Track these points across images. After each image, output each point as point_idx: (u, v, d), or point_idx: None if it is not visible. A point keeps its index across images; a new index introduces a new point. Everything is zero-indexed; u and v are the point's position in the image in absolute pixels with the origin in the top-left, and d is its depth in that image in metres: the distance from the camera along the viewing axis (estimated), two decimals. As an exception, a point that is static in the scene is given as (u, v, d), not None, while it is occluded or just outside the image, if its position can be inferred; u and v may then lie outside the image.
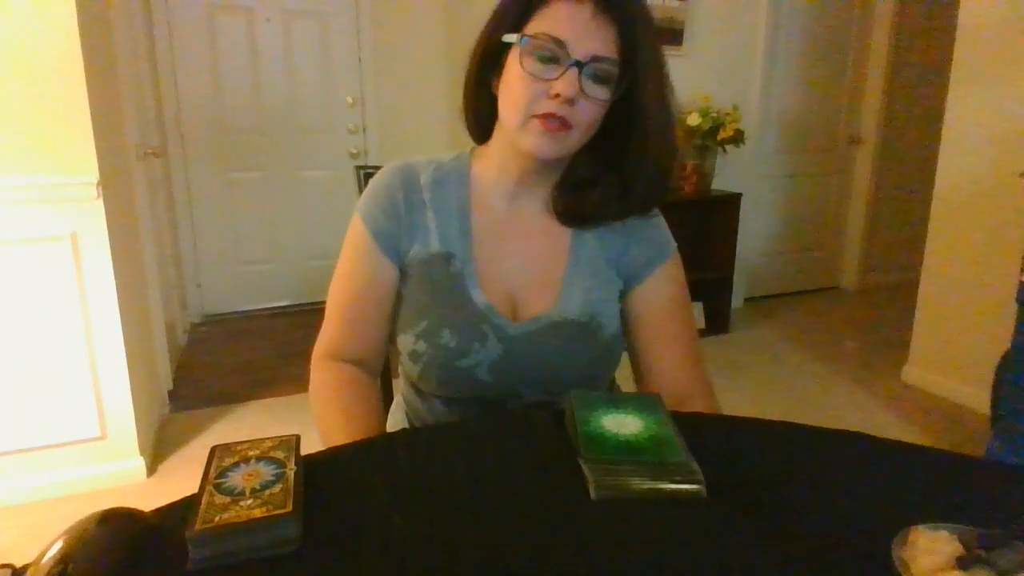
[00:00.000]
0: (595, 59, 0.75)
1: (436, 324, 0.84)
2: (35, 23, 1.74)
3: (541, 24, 0.77)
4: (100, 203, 1.88)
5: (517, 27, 0.78)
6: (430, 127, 3.64)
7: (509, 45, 0.79)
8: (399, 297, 0.89)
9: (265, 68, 3.48)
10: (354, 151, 3.67)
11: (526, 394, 0.87)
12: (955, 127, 2.63)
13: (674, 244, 0.93)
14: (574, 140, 0.80)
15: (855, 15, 3.97)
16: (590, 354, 0.87)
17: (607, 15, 0.76)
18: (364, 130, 3.67)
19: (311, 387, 0.88)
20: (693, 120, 3.29)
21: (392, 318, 0.90)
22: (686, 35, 3.41)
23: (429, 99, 3.65)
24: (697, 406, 0.86)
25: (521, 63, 0.77)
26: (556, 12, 0.76)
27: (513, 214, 0.90)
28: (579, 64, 0.75)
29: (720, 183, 3.54)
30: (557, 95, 0.75)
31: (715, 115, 3.30)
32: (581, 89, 0.76)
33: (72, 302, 1.90)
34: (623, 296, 0.92)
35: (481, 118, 0.89)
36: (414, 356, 0.86)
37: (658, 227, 0.93)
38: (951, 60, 2.62)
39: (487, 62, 0.83)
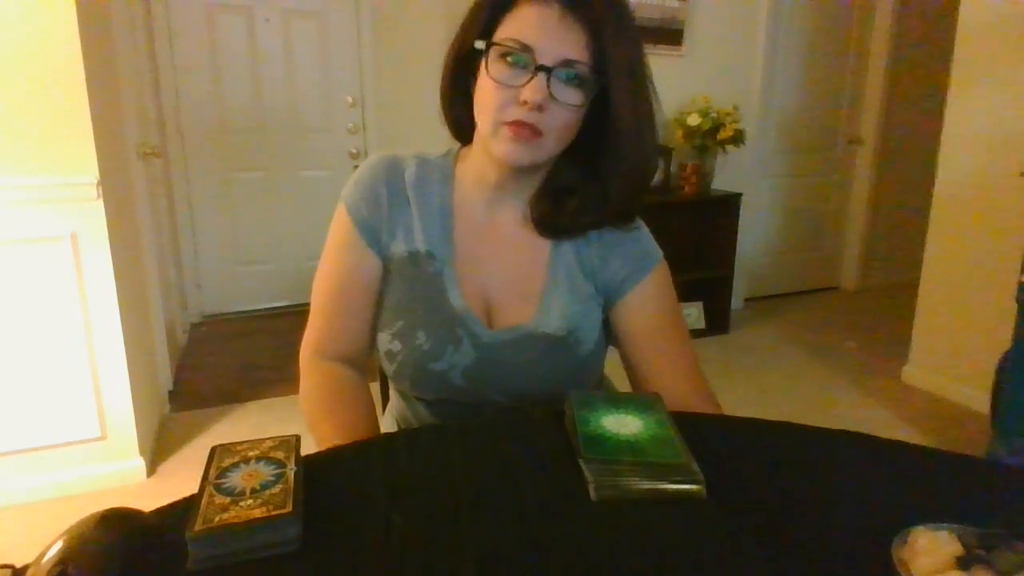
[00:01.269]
0: (564, 63, 0.73)
1: (411, 325, 0.84)
2: (35, 23, 1.74)
3: (508, 29, 0.75)
4: (100, 203, 1.88)
5: (487, 32, 0.77)
6: (430, 127, 3.59)
7: (481, 50, 0.77)
8: (380, 295, 0.88)
9: (265, 68, 3.48)
10: (354, 151, 3.66)
11: (496, 400, 0.86)
12: (955, 127, 2.63)
13: (658, 255, 0.90)
14: (548, 147, 0.78)
15: (855, 15, 3.97)
16: (565, 369, 0.85)
17: (576, 16, 0.73)
18: (364, 130, 3.67)
19: (302, 391, 0.87)
20: (693, 120, 3.29)
21: (376, 312, 0.89)
22: (686, 35, 3.41)
23: (429, 99, 3.60)
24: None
25: (488, 70, 0.75)
26: (523, 16, 0.74)
27: (492, 221, 0.88)
28: (547, 69, 0.72)
29: (720, 183, 3.54)
30: (525, 102, 0.73)
31: (715, 115, 3.30)
32: (551, 94, 0.73)
33: (72, 302, 1.90)
34: (607, 310, 0.89)
35: (460, 123, 0.87)
36: (389, 355, 0.86)
37: (638, 240, 0.90)
38: (951, 60, 2.62)
39: (462, 67, 0.82)
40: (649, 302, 0.88)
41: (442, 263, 0.85)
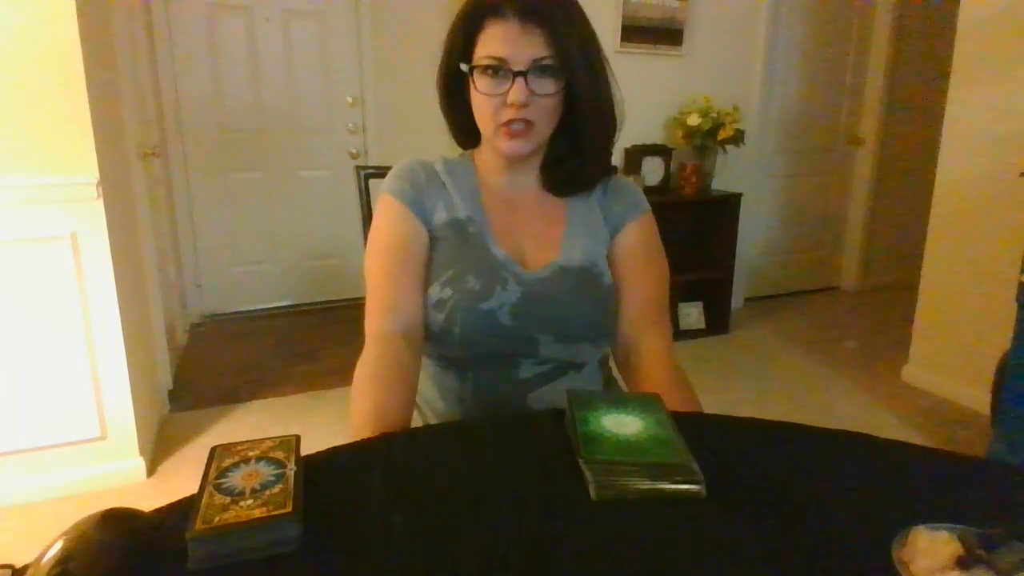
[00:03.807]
0: (534, 61, 0.88)
1: (461, 271, 0.95)
2: (35, 23, 1.74)
3: (483, 48, 0.90)
4: (100, 203, 1.88)
5: (466, 53, 0.92)
6: (430, 127, 3.62)
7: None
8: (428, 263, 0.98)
9: (265, 68, 3.48)
10: (354, 151, 3.67)
11: (541, 340, 0.95)
12: (955, 127, 2.63)
13: (647, 206, 1.07)
14: (541, 133, 0.94)
15: (855, 15, 3.97)
16: (594, 297, 0.98)
17: (533, 22, 0.88)
18: (364, 130, 3.67)
19: (363, 355, 0.89)
20: (693, 120, 3.29)
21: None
22: (686, 35, 3.41)
23: (429, 99, 3.63)
24: (643, 350, 0.98)
25: (476, 86, 0.91)
26: (492, 34, 0.89)
27: (514, 194, 1.04)
28: (522, 73, 0.88)
29: (720, 183, 3.54)
30: (512, 104, 0.88)
31: (715, 115, 3.30)
32: (531, 91, 0.88)
33: (72, 302, 1.90)
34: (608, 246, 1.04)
35: (466, 127, 1.02)
36: (440, 304, 0.94)
37: (635, 191, 1.08)
38: (951, 60, 2.62)
39: (455, 83, 0.97)
40: (634, 238, 1.04)
41: (480, 224, 1.00)
